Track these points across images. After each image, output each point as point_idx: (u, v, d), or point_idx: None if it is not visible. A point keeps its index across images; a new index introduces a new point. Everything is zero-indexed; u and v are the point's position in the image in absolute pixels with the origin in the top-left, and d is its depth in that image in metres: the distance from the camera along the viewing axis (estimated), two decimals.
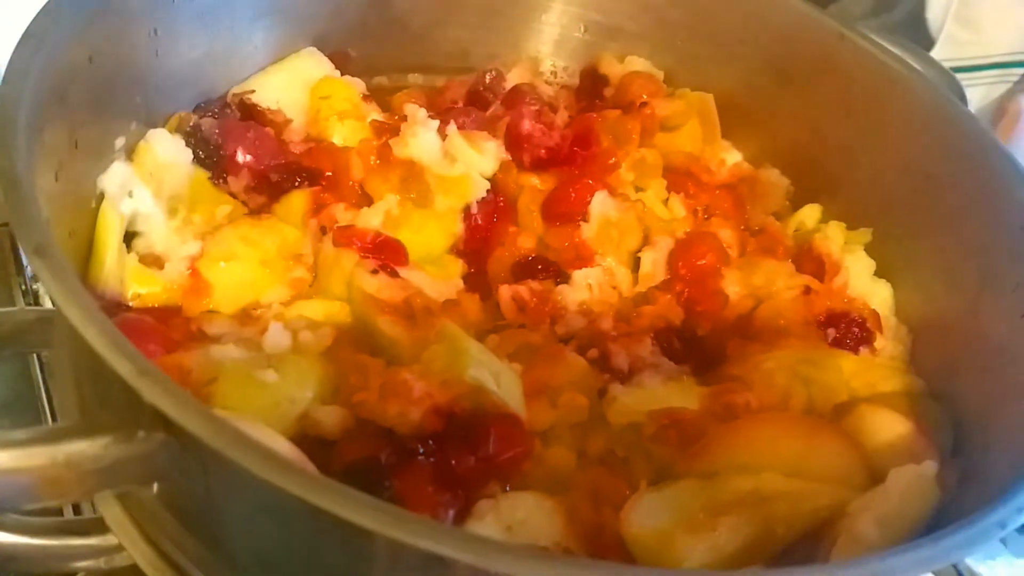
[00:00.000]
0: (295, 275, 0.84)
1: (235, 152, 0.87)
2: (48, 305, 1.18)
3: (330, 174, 0.91)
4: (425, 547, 0.45)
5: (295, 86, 0.98)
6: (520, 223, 0.94)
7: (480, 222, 0.93)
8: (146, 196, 0.81)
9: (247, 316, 0.79)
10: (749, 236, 1.00)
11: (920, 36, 1.49)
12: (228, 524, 0.59)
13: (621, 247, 0.94)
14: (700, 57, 1.10)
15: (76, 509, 0.92)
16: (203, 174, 0.88)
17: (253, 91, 0.96)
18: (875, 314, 0.90)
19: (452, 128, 0.93)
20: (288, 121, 0.96)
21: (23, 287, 1.20)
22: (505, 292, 0.87)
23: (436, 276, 0.86)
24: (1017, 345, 0.77)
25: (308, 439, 0.67)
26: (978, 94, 1.61)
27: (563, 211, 0.93)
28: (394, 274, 0.81)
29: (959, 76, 1.40)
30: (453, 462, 0.67)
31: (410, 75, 1.13)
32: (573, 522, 0.67)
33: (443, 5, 1.09)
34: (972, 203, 0.87)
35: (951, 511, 0.66)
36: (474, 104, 1.07)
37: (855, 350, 0.86)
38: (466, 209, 0.92)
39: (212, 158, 0.87)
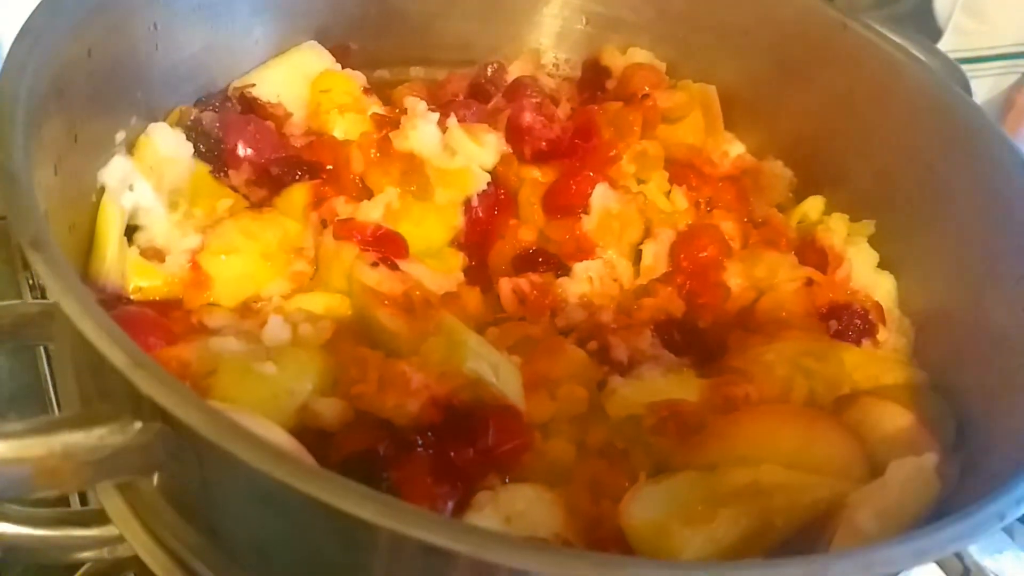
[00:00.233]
0: (296, 268, 0.84)
1: (236, 146, 0.88)
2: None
3: (331, 167, 0.91)
4: (421, 537, 0.45)
5: (296, 80, 0.98)
6: (521, 216, 0.94)
7: (481, 215, 0.93)
8: (147, 190, 0.81)
9: (247, 309, 0.80)
10: (752, 228, 1.00)
11: (927, 27, 1.49)
12: (225, 515, 0.60)
13: (622, 239, 0.94)
14: (703, 49, 1.10)
15: (83, 500, 0.93)
16: (204, 168, 0.88)
17: (254, 85, 0.96)
18: (878, 306, 0.90)
19: (452, 121, 0.93)
20: (289, 115, 0.96)
21: (30, 282, 1.21)
22: (505, 285, 0.87)
23: (436, 269, 0.86)
24: (1020, 338, 0.77)
25: (307, 431, 0.67)
26: (986, 85, 1.60)
27: (564, 204, 0.93)
28: (394, 267, 0.81)
29: (966, 67, 1.39)
30: (452, 454, 0.67)
31: (411, 68, 1.13)
32: (572, 514, 0.67)
33: None
34: (976, 195, 0.87)
35: (953, 504, 0.66)
36: (476, 97, 1.07)
37: (857, 342, 0.86)
38: (467, 202, 0.92)
39: (213, 152, 0.88)
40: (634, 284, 0.92)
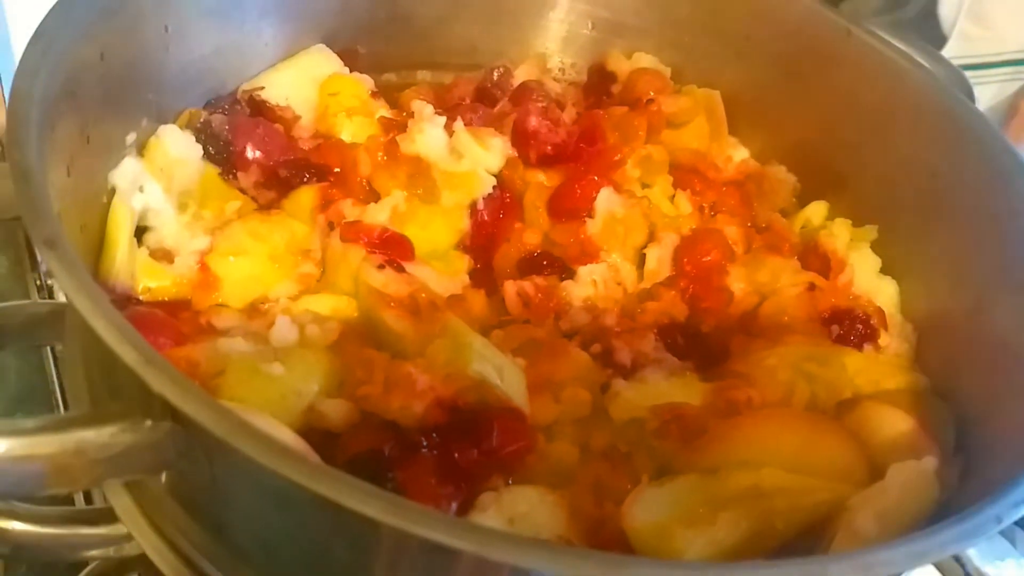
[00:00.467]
0: (303, 270, 0.85)
1: (245, 148, 0.88)
2: (62, 300, 1.20)
3: (338, 170, 0.91)
4: (426, 535, 0.46)
5: (304, 83, 0.99)
6: (526, 219, 0.95)
7: (486, 218, 0.94)
8: (157, 191, 0.82)
9: (255, 310, 0.80)
10: (755, 233, 1.00)
11: (932, 32, 1.49)
12: (233, 513, 0.61)
13: (626, 243, 0.94)
14: (707, 54, 1.10)
15: (88, 499, 0.94)
16: (213, 170, 0.89)
17: (263, 88, 0.97)
18: (880, 311, 0.90)
19: (459, 124, 0.93)
20: (297, 117, 0.97)
21: (38, 282, 1.22)
22: (510, 287, 0.88)
23: (442, 271, 0.87)
24: (1020, 343, 0.77)
25: (314, 431, 0.68)
26: (990, 91, 1.61)
27: (569, 207, 0.94)
28: (400, 269, 0.82)
29: (971, 73, 1.40)
30: (456, 455, 0.68)
31: (418, 72, 1.14)
32: (575, 516, 0.68)
33: (451, 2, 1.10)
34: (977, 201, 0.87)
35: (952, 507, 0.66)
36: (482, 101, 1.07)
37: (859, 347, 0.87)
38: (472, 205, 0.93)
39: (222, 154, 0.89)
40: (638, 288, 0.93)
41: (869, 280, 0.94)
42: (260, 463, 0.45)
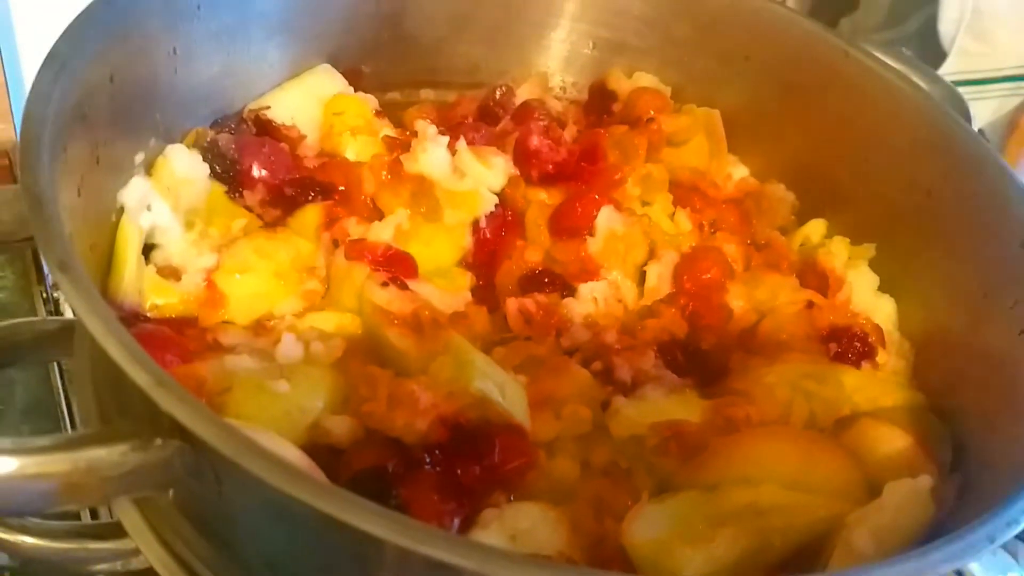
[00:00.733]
0: (308, 287, 0.86)
1: (251, 167, 0.90)
2: (68, 314, 1.21)
3: (343, 188, 0.93)
4: (431, 554, 0.47)
5: (309, 102, 1.00)
6: (528, 237, 0.96)
7: (488, 236, 0.95)
8: (164, 210, 0.83)
9: (261, 327, 0.81)
10: (754, 251, 1.01)
11: (932, 49, 1.50)
12: (240, 529, 0.61)
13: (627, 261, 0.95)
14: (707, 73, 1.12)
15: (94, 514, 0.95)
16: (219, 188, 0.90)
17: (268, 107, 0.98)
18: (878, 329, 0.91)
19: (462, 144, 0.95)
20: (302, 136, 0.98)
21: (44, 295, 1.23)
22: (512, 305, 0.88)
23: (445, 289, 0.88)
24: (1016, 362, 0.78)
25: (318, 448, 0.69)
26: (990, 107, 1.62)
27: (570, 225, 0.95)
28: (404, 287, 0.83)
29: (970, 89, 1.41)
30: (459, 472, 0.69)
31: (422, 91, 1.15)
32: (576, 532, 0.69)
33: (454, 22, 1.11)
34: (973, 220, 0.88)
35: (948, 525, 0.67)
36: (485, 119, 1.09)
37: (857, 365, 0.87)
38: (475, 223, 0.94)
39: (228, 173, 0.90)
40: (638, 305, 0.94)
41: (867, 298, 0.95)
42: (268, 482, 0.46)
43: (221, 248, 0.86)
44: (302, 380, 0.72)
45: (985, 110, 1.60)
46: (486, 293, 0.92)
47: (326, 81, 1.03)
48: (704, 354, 0.88)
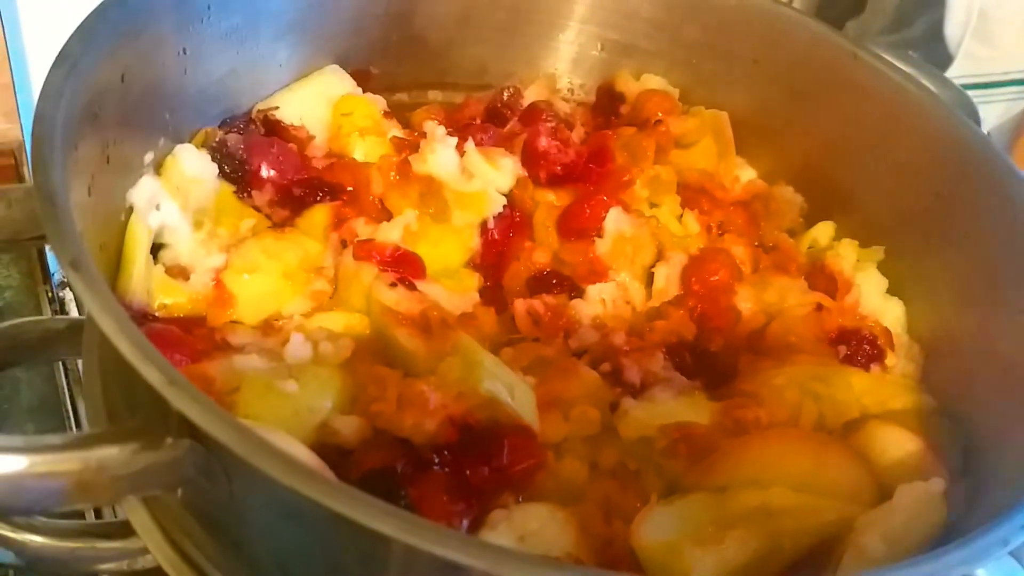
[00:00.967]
0: (316, 287, 0.86)
1: (259, 167, 0.90)
2: (73, 313, 1.21)
3: (351, 189, 0.93)
4: (443, 554, 0.47)
5: (318, 103, 1.00)
6: (536, 238, 0.96)
7: (496, 237, 0.95)
8: (173, 209, 0.83)
9: (269, 327, 0.81)
10: (762, 253, 1.01)
11: (938, 52, 1.50)
12: (249, 528, 0.61)
13: (635, 263, 0.95)
14: (715, 75, 1.12)
15: (98, 512, 0.95)
16: (228, 188, 0.90)
17: (277, 107, 0.98)
18: (887, 331, 0.91)
19: (470, 145, 0.95)
20: (311, 137, 0.98)
21: (49, 295, 1.23)
22: (520, 306, 0.88)
23: (453, 289, 0.88)
24: None
25: (327, 448, 0.69)
26: (997, 111, 1.61)
27: (578, 227, 0.95)
28: (412, 287, 0.83)
29: (977, 92, 1.40)
30: (467, 472, 0.69)
31: (430, 92, 1.15)
32: (584, 533, 0.69)
33: (462, 24, 1.11)
34: (982, 223, 0.88)
35: (959, 529, 0.67)
36: (492, 120, 1.09)
37: (866, 367, 0.87)
38: (483, 224, 0.94)
39: (237, 173, 0.90)
40: (646, 307, 0.94)
41: (876, 300, 0.95)
42: (280, 482, 0.46)
43: (230, 248, 0.86)
44: (311, 380, 0.72)
45: (992, 113, 1.59)
46: (494, 294, 0.92)
47: (335, 82, 1.03)
48: (713, 356, 0.88)
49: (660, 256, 0.97)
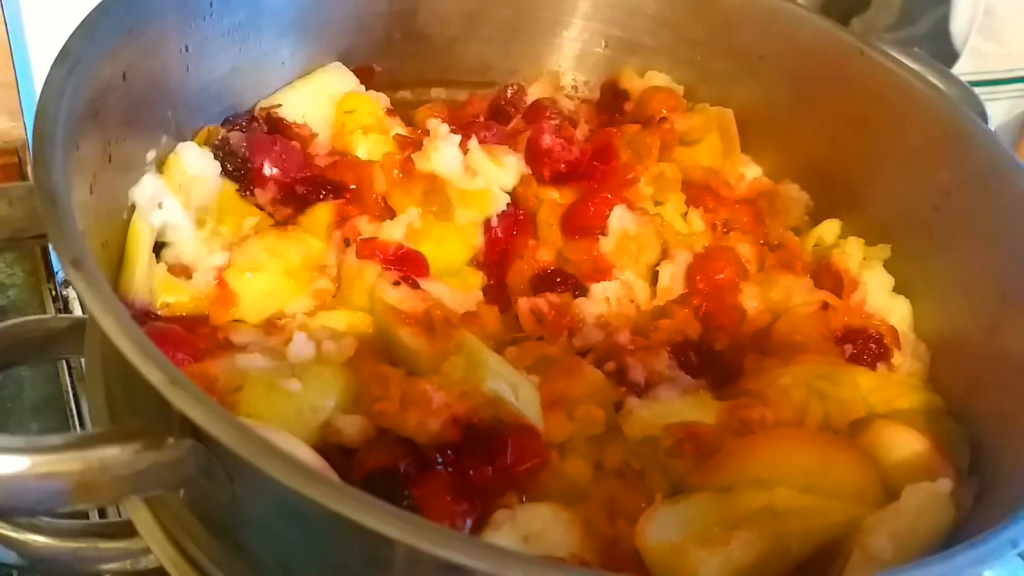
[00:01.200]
0: (319, 286, 0.85)
1: (262, 165, 0.89)
2: (77, 311, 1.21)
3: (354, 187, 0.92)
4: (444, 556, 0.47)
5: (321, 100, 1.00)
6: (539, 236, 0.96)
7: (500, 235, 0.94)
8: (175, 207, 0.83)
9: (272, 326, 0.81)
10: (768, 251, 1.00)
11: (944, 49, 1.49)
12: (252, 529, 0.61)
13: (639, 261, 0.95)
14: (720, 72, 1.11)
15: (101, 513, 0.95)
16: (231, 186, 0.90)
17: (280, 105, 0.98)
18: (893, 330, 0.91)
19: (473, 142, 0.94)
20: (314, 135, 0.98)
21: (53, 293, 1.23)
22: (524, 304, 0.88)
23: (456, 288, 0.88)
24: None
25: (329, 447, 0.68)
26: (1002, 108, 1.61)
27: (582, 225, 0.94)
28: (415, 286, 0.83)
29: (983, 89, 1.40)
30: (471, 472, 0.68)
31: (433, 89, 1.14)
32: (589, 534, 0.68)
33: (466, 21, 1.11)
34: (989, 221, 0.87)
35: (967, 530, 0.67)
36: (496, 118, 1.08)
37: (872, 366, 0.87)
38: (486, 222, 0.94)
39: (240, 171, 0.90)
40: (651, 305, 0.93)
41: (882, 299, 0.94)
42: (282, 483, 0.46)
43: (232, 246, 0.86)
44: (313, 379, 0.72)
45: (998, 110, 1.59)
46: (498, 292, 0.92)
47: (337, 79, 1.03)
48: (718, 355, 0.88)
49: (665, 254, 0.96)
